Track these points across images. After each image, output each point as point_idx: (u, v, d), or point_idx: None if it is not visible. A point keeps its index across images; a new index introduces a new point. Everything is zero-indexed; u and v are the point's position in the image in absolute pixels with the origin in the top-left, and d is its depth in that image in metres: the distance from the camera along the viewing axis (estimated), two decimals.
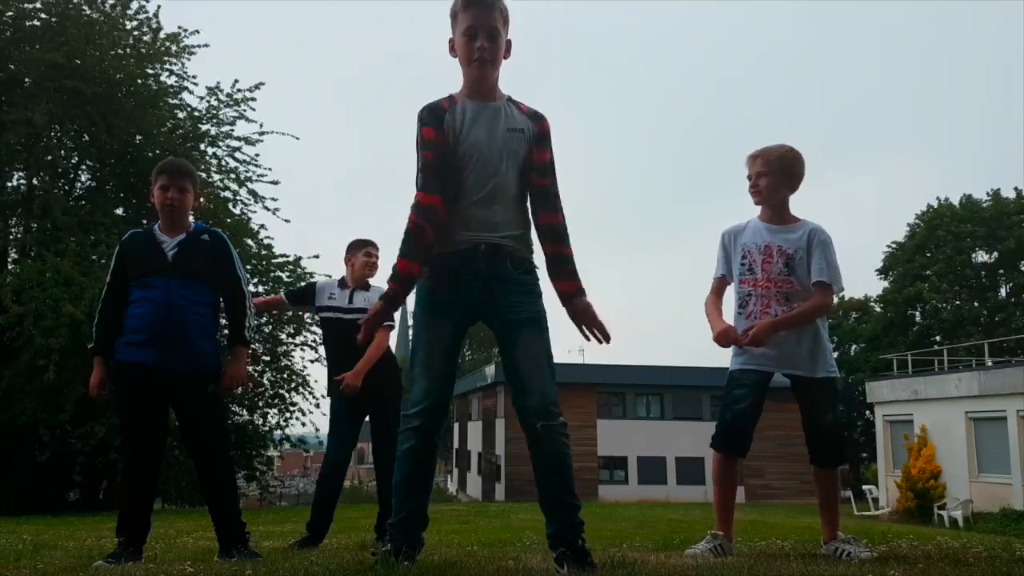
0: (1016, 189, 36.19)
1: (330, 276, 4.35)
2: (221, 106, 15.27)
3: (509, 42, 2.59)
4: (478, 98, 2.57)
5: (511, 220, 2.57)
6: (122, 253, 3.24)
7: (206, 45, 15.01)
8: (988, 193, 36.52)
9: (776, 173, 3.13)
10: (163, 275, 3.12)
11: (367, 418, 4.31)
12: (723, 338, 3.12)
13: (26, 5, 13.81)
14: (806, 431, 3.12)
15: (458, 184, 2.54)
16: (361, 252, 4.32)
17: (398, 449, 2.54)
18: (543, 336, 2.55)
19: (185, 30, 14.80)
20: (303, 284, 4.33)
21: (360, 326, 2.63)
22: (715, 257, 3.29)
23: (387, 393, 4.21)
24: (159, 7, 14.73)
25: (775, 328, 3.04)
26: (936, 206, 37.44)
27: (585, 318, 2.60)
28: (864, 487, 24.19)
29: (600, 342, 2.61)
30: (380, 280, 4.40)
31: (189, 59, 14.94)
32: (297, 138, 15.97)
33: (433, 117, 2.54)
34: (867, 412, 32.33)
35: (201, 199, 3.37)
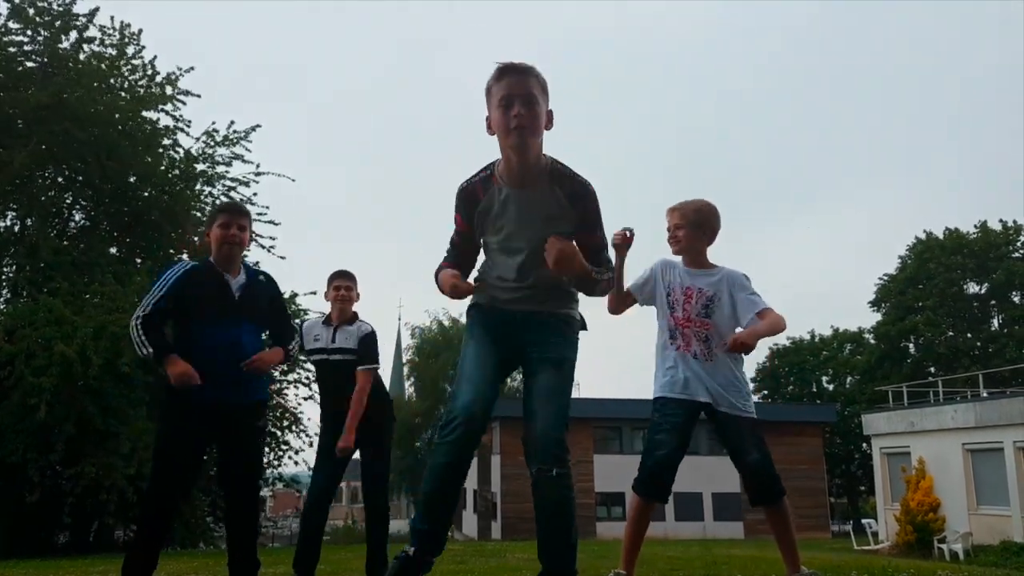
0: (1002, 221, 36.61)
1: (321, 313, 4.37)
2: (216, 147, 15.37)
3: (551, 112, 2.43)
4: (518, 179, 2.45)
5: (549, 300, 2.61)
6: (185, 282, 3.20)
7: (198, 95, 15.09)
8: (976, 225, 36.92)
9: (692, 225, 3.31)
10: (233, 316, 3.21)
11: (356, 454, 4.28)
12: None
13: (24, 48, 13.96)
14: (739, 472, 3.17)
15: (495, 266, 2.59)
16: (331, 286, 4.32)
17: (430, 461, 2.48)
18: (563, 380, 2.55)
19: (180, 68, 14.95)
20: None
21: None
22: (643, 273, 3.34)
23: (379, 431, 4.19)
24: (155, 56, 14.89)
25: (756, 336, 3.14)
26: (925, 239, 37.77)
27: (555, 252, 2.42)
28: (863, 521, 24.00)
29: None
30: (361, 312, 4.41)
31: (185, 103, 15.05)
32: (293, 180, 16.02)
33: (464, 205, 2.54)
34: (864, 445, 32.19)
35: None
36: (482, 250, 2.66)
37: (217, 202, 15.55)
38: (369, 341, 4.24)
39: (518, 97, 2.35)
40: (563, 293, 2.63)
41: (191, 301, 3.18)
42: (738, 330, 3.20)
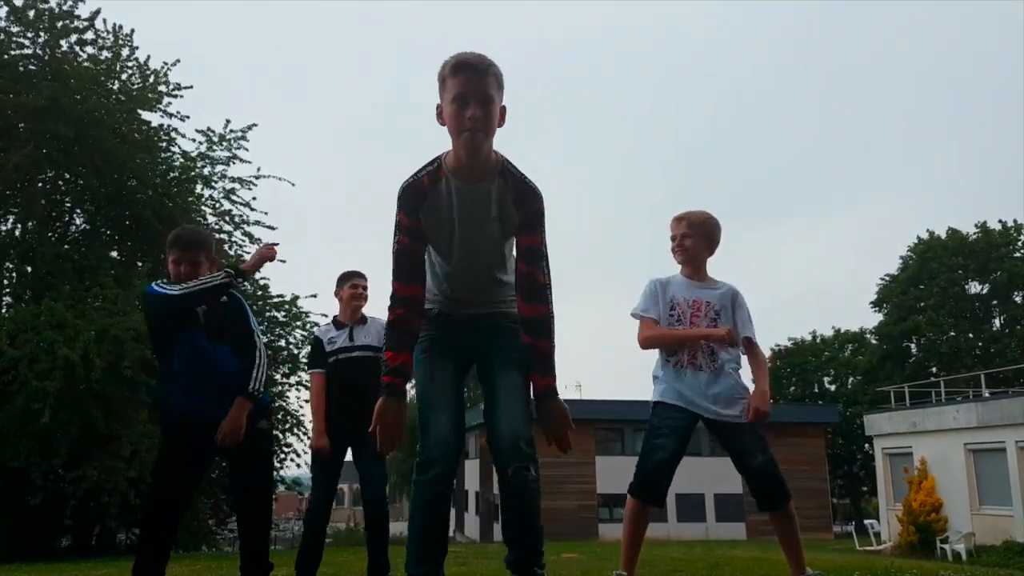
0: (1001, 221, 36.60)
1: (325, 315, 4.38)
2: (214, 147, 15.34)
3: (504, 108, 2.39)
4: (466, 174, 2.39)
5: (502, 301, 2.58)
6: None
7: (190, 86, 15.04)
8: (976, 225, 36.94)
9: (699, 236, 3.37)
10: (201, 332, 3.24)
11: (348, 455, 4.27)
12: (730, 336, 3.21)
13: (23, 51, 13.97)
14: (744, 477, 3.18)
15: (443, 264, 2.54)
16: (347, 285, 4.33)
17: (413, 500, 2.46)
18: (527, 380, 2.52)
19: (167, 63, 14.90)
20: (310, 347, 4.40)
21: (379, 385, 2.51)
22: (640, 297, 3.38)
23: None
24: (148, 56, 14.87)
25: (767, 397, 3.23)
26: (927, 238, 37.78)
27: (554, 420, 2.45)
28: (866, 522, 23.99)
29: (560, 449, 2.51)
30: (371, 310, 4.41)
31: (182, 96, 15.01)
32: (293, 184, 15.97)
33: (409, 200, 2.42)
34: (866, 445, 32.19)
35: (214, 260, 3.46)
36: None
37: (217, 205, 15.57)
38: None
39: (474, 97, 2.29)
40: (505, 287, 2.59)
41: (157, 320, 3.36)
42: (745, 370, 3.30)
